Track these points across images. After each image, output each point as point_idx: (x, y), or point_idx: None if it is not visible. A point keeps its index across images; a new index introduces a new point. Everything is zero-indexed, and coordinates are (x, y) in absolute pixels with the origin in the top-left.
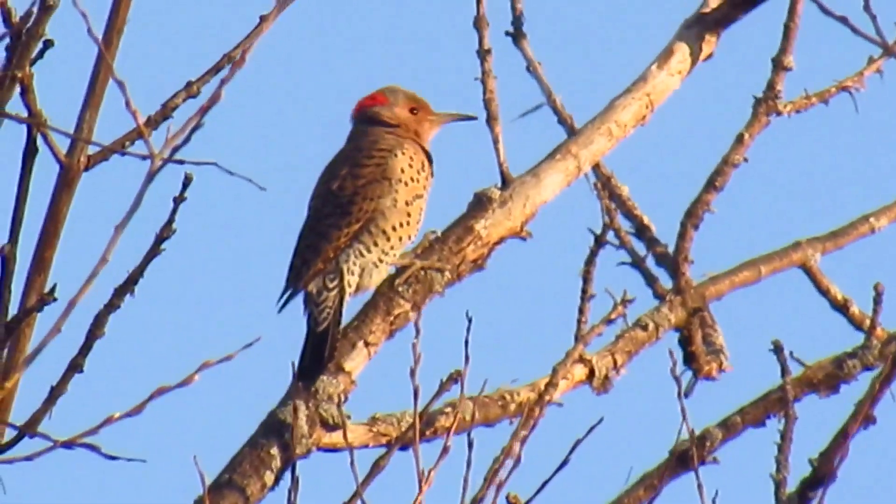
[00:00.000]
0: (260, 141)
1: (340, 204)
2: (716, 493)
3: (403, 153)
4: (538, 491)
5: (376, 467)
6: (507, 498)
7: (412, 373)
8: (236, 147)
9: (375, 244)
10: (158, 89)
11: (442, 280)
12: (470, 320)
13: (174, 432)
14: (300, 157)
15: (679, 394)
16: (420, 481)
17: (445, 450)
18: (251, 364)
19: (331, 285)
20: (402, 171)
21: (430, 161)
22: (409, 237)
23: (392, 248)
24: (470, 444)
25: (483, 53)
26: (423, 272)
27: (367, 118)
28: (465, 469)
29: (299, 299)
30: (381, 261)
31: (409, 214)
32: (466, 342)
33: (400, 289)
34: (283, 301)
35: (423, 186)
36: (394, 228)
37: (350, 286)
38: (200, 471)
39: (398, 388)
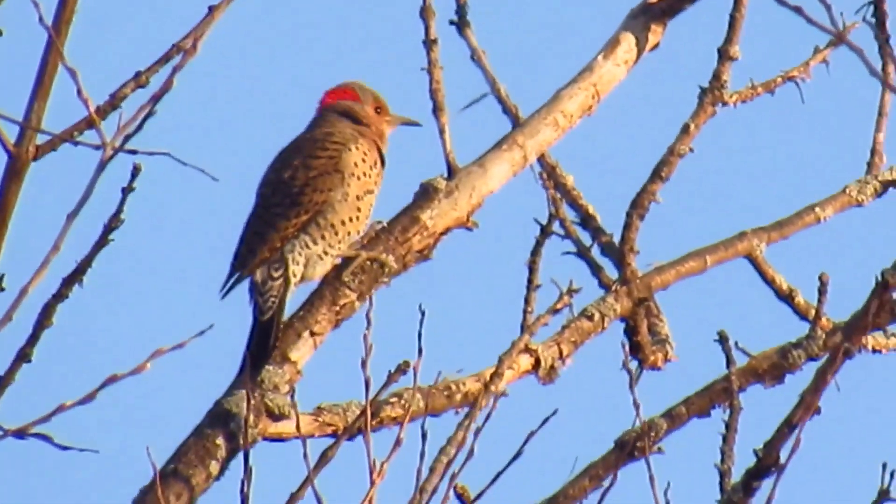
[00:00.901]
0: (212, 131)
1: (290, 194)
2: (668, 485)
3: (358, 147)
4: (490, 483)
5: (324, 457)
6: (455, 489)
7: (363, 364)
8: (189, 137)
9: (322, 237)
10: (107, 80)
11: (388, 270)
12: (423, 313)
13: (125, 421)
14: (252, 147)
15: (631, 385)
16: (371, 472)
17: (398, 442)
18: (199, 353)
19: (276, 275)
20: (356, 164)
21: (383, 161)
22: (358, 232)
23: (339, 241)
24: (423, 436)
25: (429, 43)
26: (369, 262)
27: (338, 111)
28: (419, 461)
29: (244, 288)
30: (326, 253)
31: (358, 209)
32: (420, 335)
33: (346, 279)
34: (227, 287)
35: (375, 182)
36: (343, 223)
37: (295, 276)
38: (153, 461)
39: (343, 378)
